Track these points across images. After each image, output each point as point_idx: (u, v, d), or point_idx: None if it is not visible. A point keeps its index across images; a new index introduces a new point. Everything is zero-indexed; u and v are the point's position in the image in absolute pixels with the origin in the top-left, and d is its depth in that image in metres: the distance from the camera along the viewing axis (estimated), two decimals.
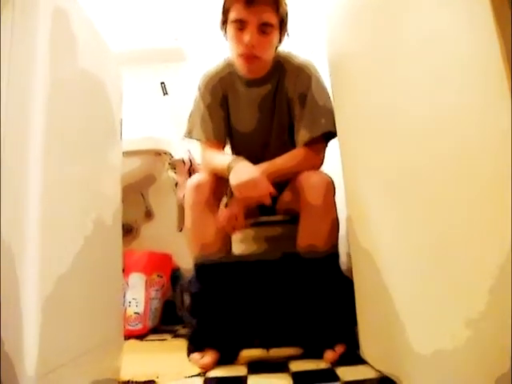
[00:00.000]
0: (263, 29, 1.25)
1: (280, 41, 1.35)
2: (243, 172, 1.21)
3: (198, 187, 1.28)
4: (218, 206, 1.32)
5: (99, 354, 0.92)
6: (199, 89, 1.43)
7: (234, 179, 1.21)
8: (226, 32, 1.33)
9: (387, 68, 0.87)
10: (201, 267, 1.26)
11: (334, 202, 1.22)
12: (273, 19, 1.26)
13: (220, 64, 1.43)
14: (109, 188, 1.05)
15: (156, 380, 1.04)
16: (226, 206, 1.30)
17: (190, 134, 1.44)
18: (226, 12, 1.29)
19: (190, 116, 1.45)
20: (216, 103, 1.41)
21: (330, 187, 1.18)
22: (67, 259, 0.79)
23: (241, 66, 1.32)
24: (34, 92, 0.71)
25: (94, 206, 0.95)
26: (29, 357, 0.66)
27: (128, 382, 1.03)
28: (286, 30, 1.34)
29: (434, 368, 0.74)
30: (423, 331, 0.77)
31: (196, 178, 1.32)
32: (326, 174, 1.24)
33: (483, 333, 0.61)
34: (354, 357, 1.09)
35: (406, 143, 0.81)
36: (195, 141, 1.44)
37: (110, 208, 1.04)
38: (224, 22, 1.32)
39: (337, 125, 1.20)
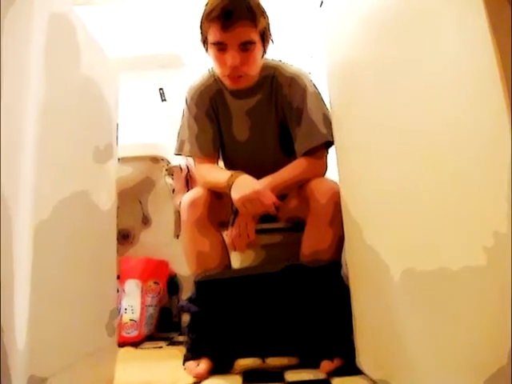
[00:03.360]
0: (245, 47, 1.22)
1: (264, 52, 1.33)
2: (245, 186, 1.20)
3: (193, 204, 1.26)
4: (218, 222, 1.30)
5: (92, 363, 0.91)
6: (186, 102, 1.42)
7: (236, 194, 1.19)
8: (207, 50, 1.30)
9: (386, 76, 0.86)
10: (201, 285, 1.24)
11: (341, 210, 1.20)
12: (253, 36, 1.22)
13: (205, 75, 1.41)
14: (104, 195, 1.04)
15: None
16: (233, 224, 1.28)
17: (180, 151, 1.42)
18: (204, 33, 1.27)
19: (179, 131, 1.44)
20: (204, 115, 1.39)
21: (338, 195, 1.17)
22: (59, 265, 0.78)
23: (227, 83, 1.31)
24: (26, 100, 0.71)
25: (89, 213, 0.94)
26: (18, 365, 0.65)
27: None
28: (269, 41, 1.32)
29: (432, 378, 0.73)
30: (421, 341, 0.76)
31: (191, 194, 1.30)
32: (334, 182, 1.22)
33: (484, 338, 0.60)
34: (350, 367, 1.08)
35: (404, 153, 0.80)
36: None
37: (105, 214, 1.04)
38: (204, 41, 1.29)
39: (334, 132, 1.20)
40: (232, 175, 1.24)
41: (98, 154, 1.02)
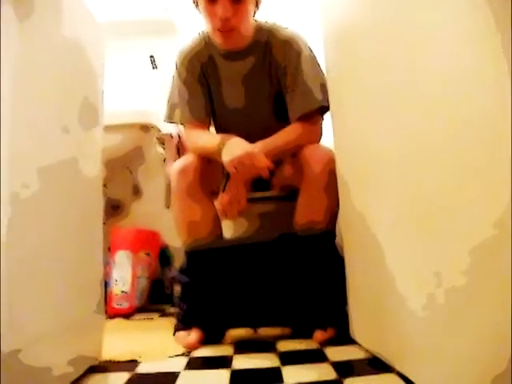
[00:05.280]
0: None
1: (257, 7, 1.27)
2: (237, 148, 1.15)
3: (183, 171, 1.22)
4: (209, 191, 1.26)
5: (78, 331, 0.89)
6: (176, 67, 1.36)
7: (227, 156, 1.15)
8: (197, 5, 1.25)
9: (384, 39, 0.82)
10: (192, 255, 1.22)
11: (336, 178, 1.16)
12: None
13: (196, 39, 1.35)
14: (89, 162, 0.99)
15: (138, 359, 1.00)
16: (224, 190, 1.23)
17: (170, 118, 1.37)
18: None
19: (168, 97, 1.38)
20: (194, 80, 1.33)
21: (333, 162, 1.13)
22: (40, 232, 0.75)
23: (218, 40, 1.25)
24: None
25: (72, 180, 0.90)
26: None
27: (109, 361, 0.99)
28: None
29: (426, 348, 0.71)
30: (415, 311, 0.74)
31: (181, 161, 1.26)
32: (329, 149, 1.18)
33: (476, 308, 0.59)
34: (343, 337, 1.07)
35: (402, 119, 0.77)
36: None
37: (90, 182, 0.99)
38: None
39: (330, 97, 1.16)
40: (223, 138, 1.20)
41: (81, 120, 0.97)
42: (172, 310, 1.61)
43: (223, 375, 0.88)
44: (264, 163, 1.14)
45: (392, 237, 0.83)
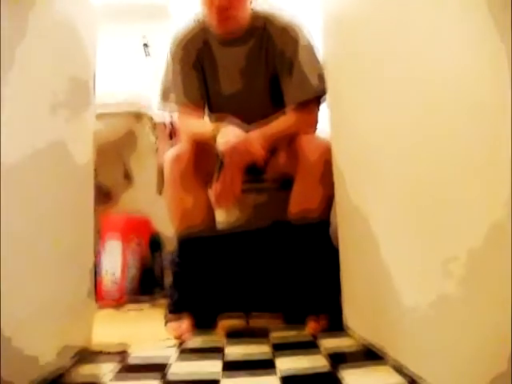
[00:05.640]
0: None
1: None
2: (232, 135, 1.13)
3: (177, 159, 1.20)
4: (203, 179, 1.23)
5: (68, 318, 0.88)
6: (170, 52, 1.32)
7: (222, 143, 1.12)
8: None
9: (384, 29, 0.80)
10: (185, 243, 1.20)
11: (331, 168, 1.14)
12: None
13: (191, 24, 1.32)
14: (80, 146, 0.97)
15: (129, 350, 0.99)
16: (218, 178, 1.19)
17: (163, 103, 1.34)
18: None
19: (161, 83, 1.34)
20: (189, 66, 1.30)
21: (329, 152, 1.12)
22: (29, 215, 0.74)
23: (215, 27, 1.23)
24: None
25: (63, 164, 0.88)
26: None
27: (100, 352, 0.97)
28: None
29: (420, 337, 0.71)
30: (409, 300, 0.74)
31: (175, 148, 1.24)
32: (325, 139, 1.17)
33: (471, 297, 0.58)
34: (336, 325, 1.06)
35: (401, 110, 0.75)
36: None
37: (81, 167, 0.97)
38: None
39: (327, 87, 1.15)
40: (218, 124, 1.18)
41: (73, 101, 0.95)
42: (162, 300, 1.59)
43: (216, 365, 0.87)
44: (259, 150, 1.12)
45: (389, 229, 0.82)
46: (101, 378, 0.82)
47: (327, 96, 1.18)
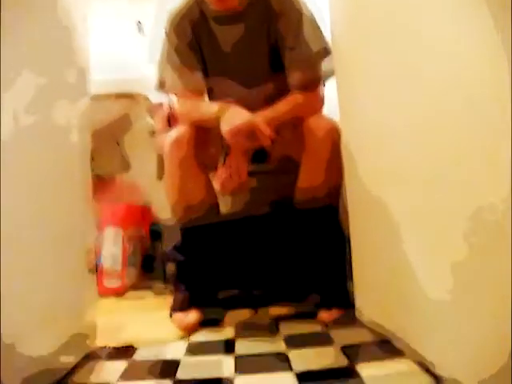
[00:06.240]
0: None
1: None
2: (237, 117, 1.07)
3: (176, 143, 1.14)
4: (203, 163, 1.18)
5: (70, 315, 0.84)
6: (165, 31, 1.25)
7: (226, 125, 1.06)
8: None
9: (396, 11, 0.76)
10: (188, 231, 1.16)
11: (339, 150, 1.09)
12: None
13: (186, 0, 1.24)
14: (75, 132, 0.91)
15: (135, 345, 0.95)
16: (224, 163, 1.14)
17: (162, 87, 1.27)
18: None
19: (159, 64, 1.27)
20: (185, 45, 1.23)
21: (337, 132, 1.07)
22: (25, 206, 0.71)
23: (214, 3, 1.16)
24: None
25: (58, 150, 0.84)
26: None
27: (104, 347, 0.93)
28: None
29: (437, 326, 0.69)
30: (433, 290, 0.70)
31: (174, 132, 1.18)
32: (333, 120, 1.12)
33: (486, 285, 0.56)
34: (349, 318, 1.03)
35: (416, 89, 0.71)
36: None
37: (77, 152, 0.92)
38: None
39: (335, 65, 1.09)
40: (222, 106, 1.11)
41: (66, 86, 0.89)
42: (164, 287, 1.55)
43: (228, 362, 0.83)
44: (267, 132, 1.06)
45: (408, 214, 0.78)
46: (107, 379, 0.78)
47: (336, 74, 1.12)
